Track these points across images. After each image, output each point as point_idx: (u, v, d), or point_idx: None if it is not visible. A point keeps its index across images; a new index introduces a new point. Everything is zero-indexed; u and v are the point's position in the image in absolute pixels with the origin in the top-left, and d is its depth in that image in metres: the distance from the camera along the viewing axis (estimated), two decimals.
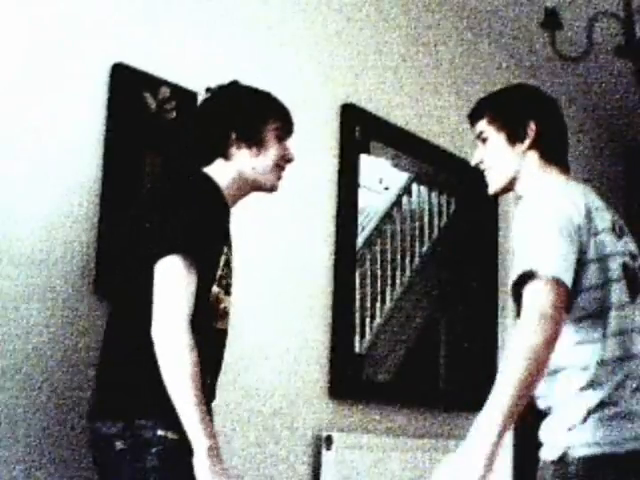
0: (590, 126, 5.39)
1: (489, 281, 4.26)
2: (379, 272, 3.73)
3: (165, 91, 2.74)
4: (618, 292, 2.16)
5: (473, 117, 2.43)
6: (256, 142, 2.33)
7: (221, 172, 2.30)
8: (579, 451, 2.08)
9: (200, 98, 2.61)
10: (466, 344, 4.13)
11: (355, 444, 3.31)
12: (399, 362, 3.82)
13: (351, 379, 3.44)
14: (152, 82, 2.71)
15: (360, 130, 3.56)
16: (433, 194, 4.06)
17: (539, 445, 2.21)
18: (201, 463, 2.00)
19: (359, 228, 3.58)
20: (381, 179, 3.84)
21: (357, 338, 3.54)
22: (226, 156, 2.32)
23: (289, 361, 3.19)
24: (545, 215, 2.11)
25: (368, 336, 3.63)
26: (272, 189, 2.41)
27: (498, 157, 2.35)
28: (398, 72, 3.86)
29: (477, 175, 2.46)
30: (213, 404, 2.26)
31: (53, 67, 2.49)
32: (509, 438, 4.15)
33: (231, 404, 2.89)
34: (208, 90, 2.42)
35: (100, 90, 2.60)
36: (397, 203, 3.91)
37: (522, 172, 2.33)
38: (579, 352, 2.11)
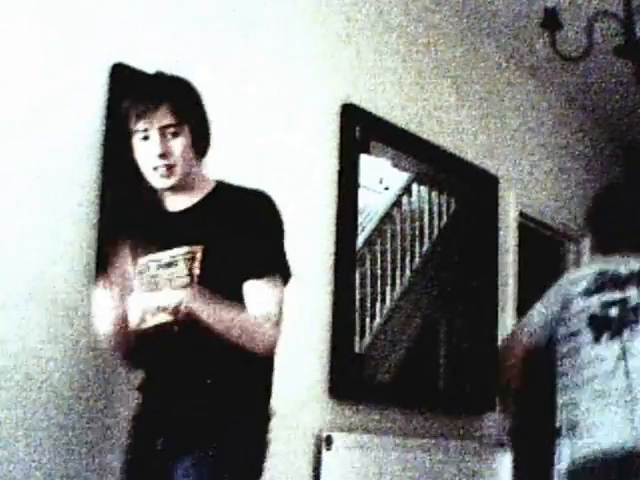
0: (590, 126, 5.38)
1: (489, 281, 4.26)
2: (379, 272, 3.72)
3: None
4: None
5: None
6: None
7: None
8: None
9: None
10: (466, 344, 4.13)
11: (355, 444, 3.31)
12: (399, 362, 3.82)
13: (351, 379, 3.43)
14: None
15: (360, 130, 3.56)
16: (433, 194, 4.05)
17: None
18: None
19: (359, 228, 3.58)
20: (381, 179, 3.84)
21: (357, 338, 3.53)
22: None
23: (289, 361, 3.19)
24: None
25: (368, 336, 3.63)
26: (162, 189, 2.28)
27: None
28: (398, 72, 3.86)
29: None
30: None
31: (53, 67, 2.49)
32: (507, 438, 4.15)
33: None
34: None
35: (100, 90, 2.60)
36: (397, 203, 3.90)
37: None
38: None
